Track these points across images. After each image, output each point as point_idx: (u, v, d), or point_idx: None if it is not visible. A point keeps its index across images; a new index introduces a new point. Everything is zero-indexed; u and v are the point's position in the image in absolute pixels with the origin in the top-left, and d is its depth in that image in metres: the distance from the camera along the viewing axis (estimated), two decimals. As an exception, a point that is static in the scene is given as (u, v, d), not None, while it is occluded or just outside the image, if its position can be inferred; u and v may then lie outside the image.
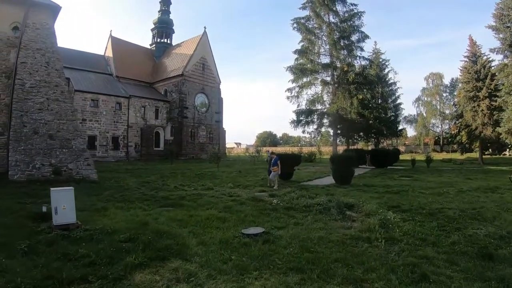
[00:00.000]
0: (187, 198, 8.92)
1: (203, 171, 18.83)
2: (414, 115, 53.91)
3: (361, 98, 26.38)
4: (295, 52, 27.57)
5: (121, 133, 33.26)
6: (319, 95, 27.73)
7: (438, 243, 4.76)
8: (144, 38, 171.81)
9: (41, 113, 13.00)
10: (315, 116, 27.67)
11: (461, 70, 33.09)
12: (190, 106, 38.12)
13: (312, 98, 27.56)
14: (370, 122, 31.54)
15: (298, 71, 27.10)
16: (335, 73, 27.03)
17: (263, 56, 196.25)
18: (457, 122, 34.57)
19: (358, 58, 27.04)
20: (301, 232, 5.37)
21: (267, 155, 15.90)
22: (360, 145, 44.13)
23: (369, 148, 36.22)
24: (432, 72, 52.45)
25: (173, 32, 47.17)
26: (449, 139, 41.20)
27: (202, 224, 5.86)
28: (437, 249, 4.51)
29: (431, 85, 52.53)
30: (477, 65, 30.87)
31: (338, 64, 26.85)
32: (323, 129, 30.44)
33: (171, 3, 47.51)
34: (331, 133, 31.33)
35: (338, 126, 28.05)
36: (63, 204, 5.17)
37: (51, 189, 5.42)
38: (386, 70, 38.75)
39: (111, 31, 40.50)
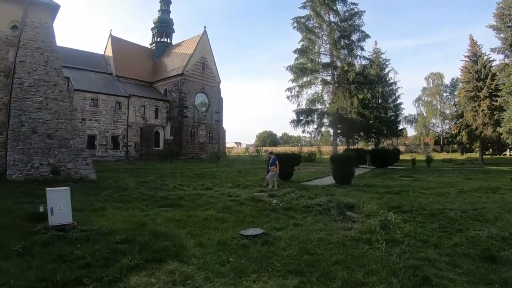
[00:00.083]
0: (186, 198, 8.84)
1: (203, 170, 18.77)
2: (414, 115, 53.81)
3: (362, 98, 26.33)
4: (295, 51, 27.52)
5: (120, 132, 33.21)
6: (319, 94, 27.69)
7: (439, 245, 4.67)
8: (144, 38, 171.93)
9: (39, 112, 12.93)
10: (315, 116, 27.62)
11: (461, 70, 33.03)
12: (190, 106, 38.05)
13: (312, 97, 27.52)
14: (370, 121, 31.47)
15: (298, 71, 27.04)
16: (335, 73, 26.96)
17: (263, 56, 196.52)
18: (457, 122, 34.50)
19: (358, 57, 27.03)
20: (300, 233, 5.29)
21: (266, 155, 15.86)
22: (360, 145, 44.08)
23: (369, 148, 36.16)
24: (433, 72, 52.43)
25: (173, 31, 47.12)
26: (450, 139, 41.17)
27: (200, 225, 5.79)
28: (439, 251, 4.43)
29: (431, 85, 52.46)
30: (477, 65, 30.78)
31: (339, 64, 26.78)
32: (323, 129, 30.43)
33: (171, 2, 47.46)
34: (331, 133, 31.27)
35: (338, 126, 27.98)
36: (59, 205, 5.10)
37: (47, 189, 5.34)
38: (387, 70, 38.73)
39: (111, 30, 40.48)
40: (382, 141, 40.59)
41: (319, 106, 27.68)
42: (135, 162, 28.99)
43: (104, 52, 39.72)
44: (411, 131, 59.83)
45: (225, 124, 45.13)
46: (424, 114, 52.16)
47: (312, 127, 28.27)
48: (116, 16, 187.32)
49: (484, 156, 32.81)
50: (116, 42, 39.24)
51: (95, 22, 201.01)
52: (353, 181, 12.92)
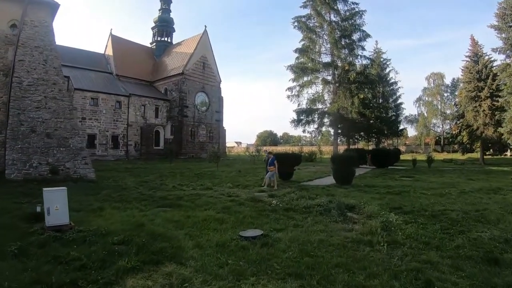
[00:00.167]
0: (185, 198, 8.77)
1: (203, 170, 18.70)
2: (415, 115, 53.84)
3: (362, 98, 26.29)
4: (295, 51, 27.45)
5: (121, 132, 33.14)
6: (320, 94, 27.64)
7: (442, 247, 4.60)
8: (144, 37, 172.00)
9: (38, 112, 12.86)
10: (316, 116, 27.57)
11: (462, 70, 32.97)
12: (190, 105, 37.98)
13: (312, 97, 27.47)
14: (371, 121, 31.41)
15: (299, 70, 26.97)
16: (336, 72, 26.89)
17: (263, 56, 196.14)
18: (458, 122, 34.43)
19: (359, 57, 27.00)
20: (300, 234, 5.22)
21: (265, 155, 15.81)
22: (361, 144, 44.05)
23: (370, 148, 36.09)
24: (433, 72, 52.38)
25: (174, 30, 47.05)
26: (450, 139, 41.10)
27: (199, 226, 5.72)
28: (441, 253, 4.36)
29: (432, 85, 52.38)
30: (478, 65, 30.68)
31: (339, 63, 26.72)
32: (323, 129, 30.42)
33: (171, 2, 47.35)
34: (332, 133, 31.24)
35: (339, 126, 27.92)
36: (56, 205, 5.03)
37: (44, 189, 5.28)
38: (387, 70, 38.74)
39: (111, 29, 40.52)
40: (382, 141, 40.51)
41: (319, 106, 27.66)
42: (135, 161, 28.94)
43: (105, 51, 39.65)
44: (411, 131, 59.90)
45: (226, 124, 45.14)
46: (425, 114, 52.11)
47: (312, 127, 28.29)
48: (116, 16, 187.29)
49: (485, 157, 32.72)
50: (116, 41, 39.17)
51: (95, 22, 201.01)
52: (354, 181, 12.85)
